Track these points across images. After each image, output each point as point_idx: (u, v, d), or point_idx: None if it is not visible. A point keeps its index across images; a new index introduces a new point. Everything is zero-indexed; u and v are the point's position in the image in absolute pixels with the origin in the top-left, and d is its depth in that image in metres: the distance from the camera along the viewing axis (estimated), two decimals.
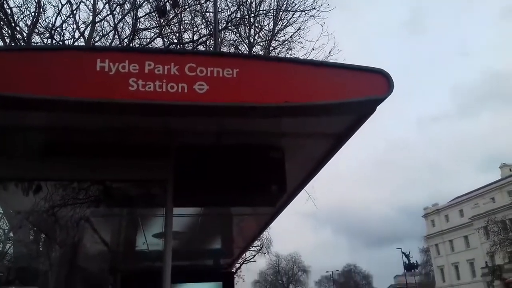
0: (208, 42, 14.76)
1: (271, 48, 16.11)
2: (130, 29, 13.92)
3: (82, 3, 13.26)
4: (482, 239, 62.69)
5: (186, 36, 15.14)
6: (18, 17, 12.70)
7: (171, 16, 14.18)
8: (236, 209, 4.46)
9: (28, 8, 12.79)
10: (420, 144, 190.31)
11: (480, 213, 64.88)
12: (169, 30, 14.79)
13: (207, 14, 14.71)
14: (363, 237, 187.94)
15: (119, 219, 5.05)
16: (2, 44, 11.53)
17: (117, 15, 13.70)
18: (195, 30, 15.26)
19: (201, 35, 15.19)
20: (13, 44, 11.29)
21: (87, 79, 2.32)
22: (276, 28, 16.30)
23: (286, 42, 16.29)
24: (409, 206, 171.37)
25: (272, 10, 15.92)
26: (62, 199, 3.80)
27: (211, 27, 14.16)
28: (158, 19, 14.04)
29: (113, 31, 13.80)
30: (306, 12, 15.72)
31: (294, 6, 15.96)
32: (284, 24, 16.40)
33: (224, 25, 14.96)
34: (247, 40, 15.97)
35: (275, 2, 15.97)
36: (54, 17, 13.06)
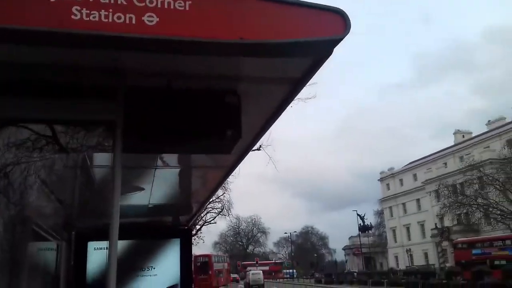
0: None
1: None
2: None
3: None
4: (433, 202, 65.99)
5: None
6: None
7: None
8: (192, 159, 4.39)
9: None
10: (380, 111, 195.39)
11: (432, 177, 67.91)
12: None
13: None
14: (321, 200, 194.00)
15: (72, 172, 4.87)
16: None
17: None
18: None
19: None
20: None
21: (25, 6, 2.13)
22: None
23: None
24: (366, 170, 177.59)
25: None
26: (9, 149, 3.60)
27: None
28: None
29: None
30: None
31: None
32: None
33: None
34: None
35: None
36: None
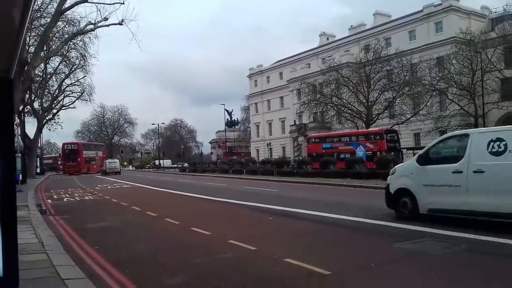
0: None
1: None
2: None
3: None
4: (295, 100, 70.09)
5: None
6: None
7: None
8: None
9: None
10: (251, 8, 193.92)
11: (296, 76, 71.28)
12: None
13: None
14: (191, 94, 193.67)
15: None
16: None
17: None
18: None
19: None
20: None
21: None
22: None
23: None
24: (236, 66, 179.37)
25: None
26: None
27: None
28: None
29: None
30: None
31: None
32: None
33: None
34: None
35: None
36: None
